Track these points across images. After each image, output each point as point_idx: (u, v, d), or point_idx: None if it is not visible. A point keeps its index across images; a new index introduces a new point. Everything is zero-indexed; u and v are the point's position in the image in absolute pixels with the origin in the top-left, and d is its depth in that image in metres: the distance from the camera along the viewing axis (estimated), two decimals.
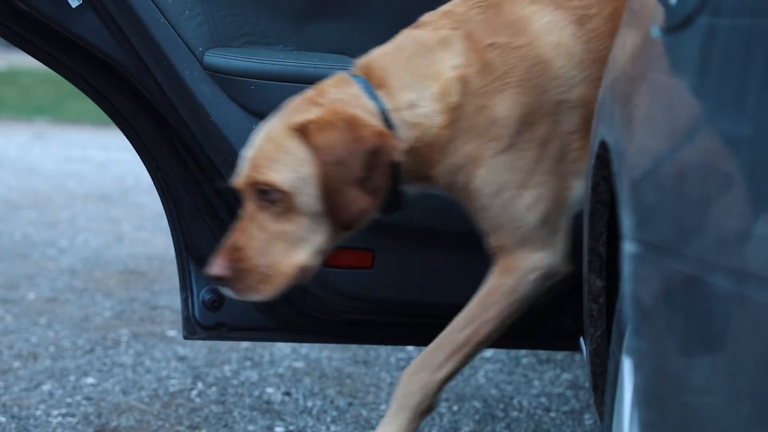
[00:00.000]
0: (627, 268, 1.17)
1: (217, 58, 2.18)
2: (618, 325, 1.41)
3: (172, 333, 3.58)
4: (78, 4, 2.12)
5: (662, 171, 1.11)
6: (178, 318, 3.76)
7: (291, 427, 2.73)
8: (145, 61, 2.17)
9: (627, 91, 1.41)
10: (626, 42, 1.54)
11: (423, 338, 2.53)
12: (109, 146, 9.94)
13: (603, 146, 1.49)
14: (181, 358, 3.28)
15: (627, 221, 1.20)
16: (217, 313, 2.37)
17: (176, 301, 4.01)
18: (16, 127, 11.86)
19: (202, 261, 2.33)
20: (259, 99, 2.19)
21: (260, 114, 2.17)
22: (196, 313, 2.37)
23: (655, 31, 1.31)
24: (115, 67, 2.19)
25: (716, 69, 1.05)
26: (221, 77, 2.18)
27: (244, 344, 3.44)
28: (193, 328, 2.38)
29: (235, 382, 3.07)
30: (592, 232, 1.64)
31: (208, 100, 2.18)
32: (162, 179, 2.31)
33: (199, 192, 2.30)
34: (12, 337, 3.47)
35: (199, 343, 3.45)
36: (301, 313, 2.37)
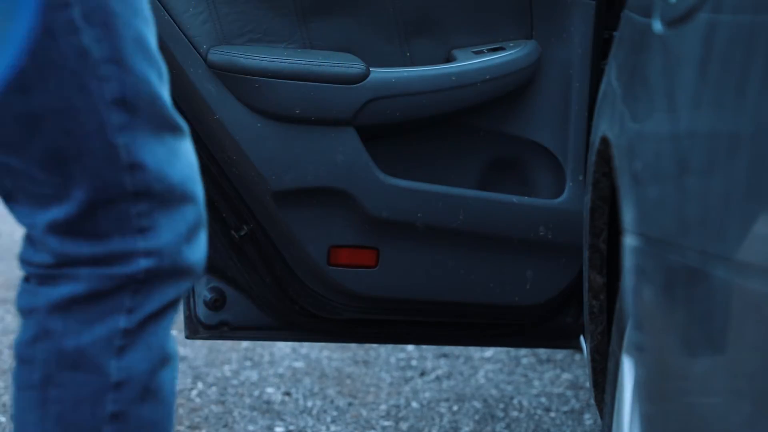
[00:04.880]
0: (628, 262, 1.17)
1: (221, 55, 2.16)
2: (618, 323, 1.41)
3: (172, 333, 3.58)
4: None
5: (664, 165, 1.11)
6: (179, 318, 3.76)
7: (291, 427, 2.73)
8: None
9: (628, 86, 1.41)
10: (627, 36, 1.54)
11: (425, 337, 2.52)
12: None
13: (604, 141, 1.49)
14: (181, 358, 3.28)
15: (628, 215, 1.20)
16: (219, 312, 2.34)
17: None
18: None
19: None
20: (264, 97, 2.18)
21: (265, 112, 2.17)
22: (198, 313, 2.35)
23: (656, 26, 1.31)
24: None
25: (717, 63, 1.05)
26: (226, 75, 2.17)
27: (244, 344, 3.43)
28: (195, 328, 2.36)
29: (235, 382, 3.06)
30: (593, 229, 1.64)
31: (213, 98, 2.16)
32: None
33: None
34: (12, 337, 3.46)
35: (198, 343, 3.44)
36: (304, 312, 2.35)
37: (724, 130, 0.97)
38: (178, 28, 2.14)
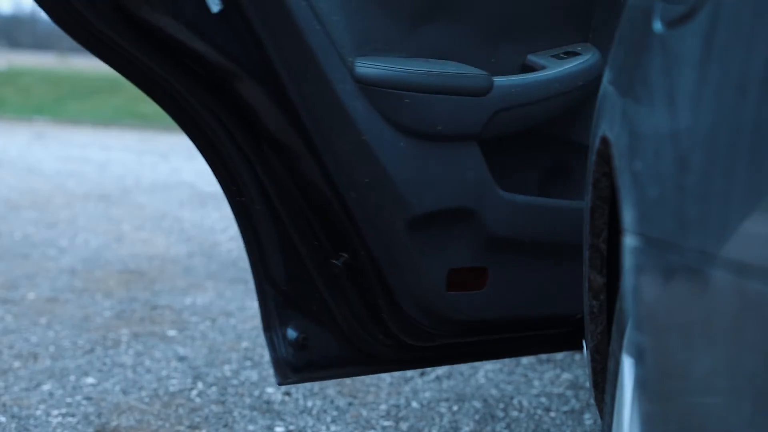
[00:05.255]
0: (628, 261, 1.17)
1: (368, 69, 1.98)
2: (618, 323, 1.41)
3: (172, 333, 3.58)
4: (219, 9, 1.89)
5: (664, 165, 1.11)
6: (178, 318, 3.76)
7: (291, 427, 2.73)
8: (283, 73, 1.94)
9: (628, 86, 1.41)
10: (627, 36, 1.54)
11: (514, 350, 2.41)
12: (109, 146, 9.94)
13: (604, 142, 1.49)
14: (181, 358, 3.27)
15: (628, 215, 1.20)
16: (306, 351, 2.18)
17: (176, 301, 4.01)
18: (16, 127, 11.86)
19: (285, 295, 2.16)
20: (409, 113, 2.00)
21: (409, 129, 2.01)
22: (285, 355, 2.16)
23: (656, 26, 1.31)
24: (233, 82, 1.96)
25: (717, 63, 1.05)
26: (372, 90, 1.98)
27: (244, 344, 3.44)
28: (284, 372, 2.18)
29: (235, 382, 3.06)
30: (593, 229, 1.64)
31: (361, 116, 1.97)
32: (242, 206, 2.12)
33: (283, 224, 2.11)
34: (12, 337, 3.47)
35: (198, 342, 3.44)
36: (389, 342, 2.21)
37: (724, 130, 0.97)
38: (328, 38, 1.94)
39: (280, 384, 2.21)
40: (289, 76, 1.93)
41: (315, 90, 1.95)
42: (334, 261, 2.11)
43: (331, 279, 2.14)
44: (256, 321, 3.75)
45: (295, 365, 2.17)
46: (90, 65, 27.71)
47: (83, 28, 1.94)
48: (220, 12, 1.89)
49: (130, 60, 1.99)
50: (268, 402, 2.90)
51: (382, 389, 3.02)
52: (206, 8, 1.88)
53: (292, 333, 2.16)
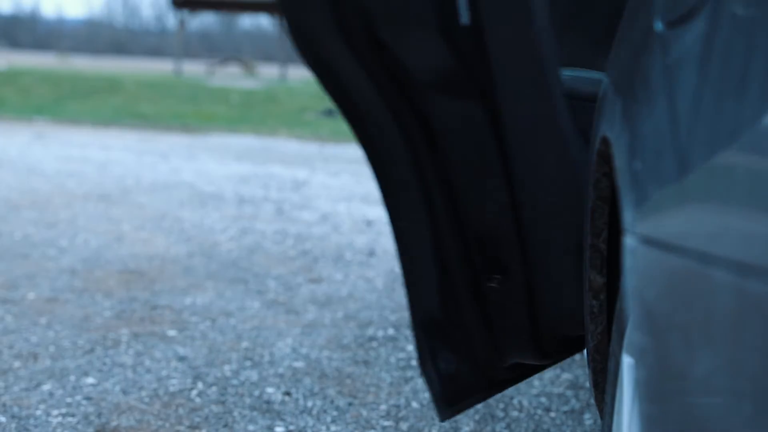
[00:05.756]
0: (628, 262, 1.17)
1: (574, 83, 1.94)
2: (618, 323, 1.41)
3: (172, 333, 3.58)
4: (468, 21, 1.81)
5: (664, 165, 1.11)
6: (178, 318, 3.76)
7: (291, 427, 2.73)
8: (503, 88, 1.87)
9: (629, 86, 1.41)
10: (628, 36, 1.54)
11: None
12: (109, 146, 9.94)
13: (604, 142, 1.50)
14: (181, 358, 3.27)
15: (628, 215, 1.20)
16: (455, 383, 2.13)
17: (176, 301, 4.01)
18: (16, 127, 11.87)
19: (436, 325, 2.11)
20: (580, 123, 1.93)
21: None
22: (439, 390, 2.12)
23: (657, 25, 1.31)
24: (444, 94, 1.89)
25: (717, 63, 1.05)
26: (574, 105, 1.91)
27: (244, 344, 3.43)
28: (442, 408, 2.13)
29: (235, 382, 3.06)
30: (593, 229, 1.65)
31: (570, 135, 1.90)
32: (401, 230, 2.06)
33: (440, 250, 2.05)
34: (12, 337, 3.46)
35: (198, 342, 3.44)
36: (512, 365, 2.17)
37: (724, 130, 0.97)
38: (558, 55, 1.89)
39: (442, 421, 2.15)
40: (508, 93, 1.86)
41: (532, 108, 1.88)
42: (491, 284, 2.05)
43: (480, 305, 2.08)
44: (256, 321, 3.75)
45: (449, 399, 2.13)
46: (90, 65, 27.67)
47: (313, 48, 1.88)
48: (467, 25, 1.82)
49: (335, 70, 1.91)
50: (268, 402, 2.90)
51: (382, 389, 3.02)
52: (453, 23, 1.80)
53: (442, 366, 2.12)
